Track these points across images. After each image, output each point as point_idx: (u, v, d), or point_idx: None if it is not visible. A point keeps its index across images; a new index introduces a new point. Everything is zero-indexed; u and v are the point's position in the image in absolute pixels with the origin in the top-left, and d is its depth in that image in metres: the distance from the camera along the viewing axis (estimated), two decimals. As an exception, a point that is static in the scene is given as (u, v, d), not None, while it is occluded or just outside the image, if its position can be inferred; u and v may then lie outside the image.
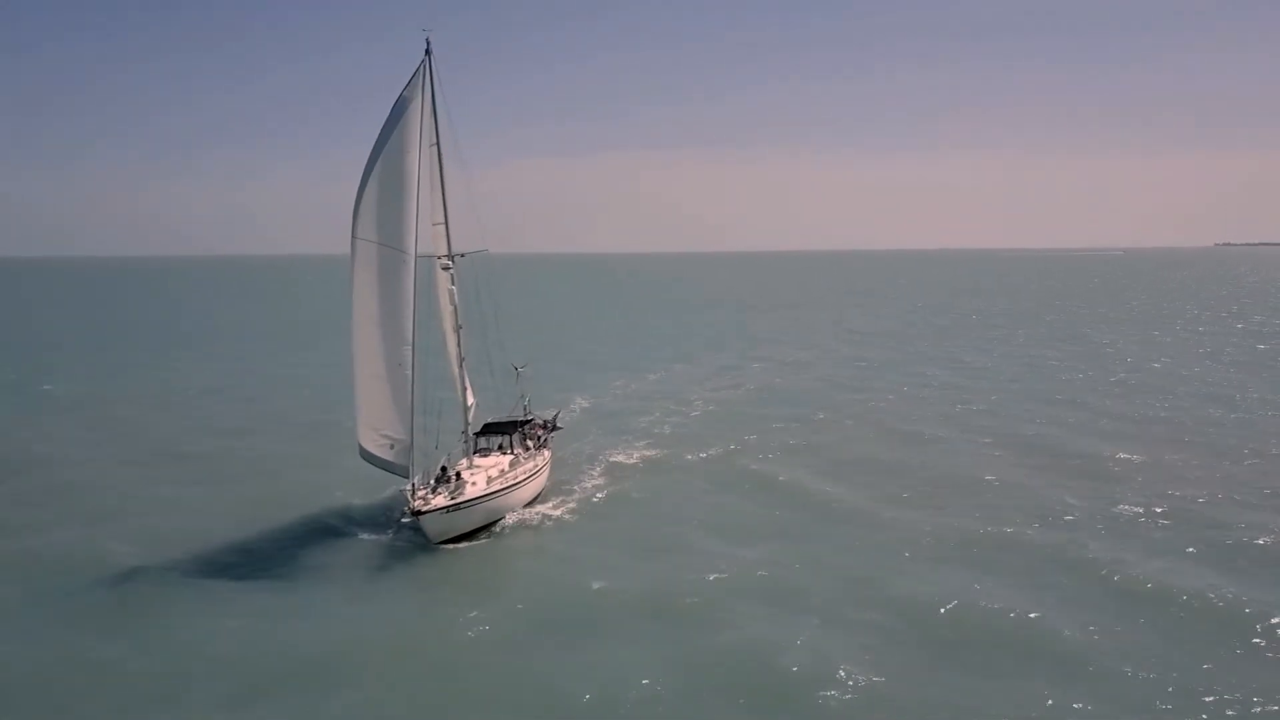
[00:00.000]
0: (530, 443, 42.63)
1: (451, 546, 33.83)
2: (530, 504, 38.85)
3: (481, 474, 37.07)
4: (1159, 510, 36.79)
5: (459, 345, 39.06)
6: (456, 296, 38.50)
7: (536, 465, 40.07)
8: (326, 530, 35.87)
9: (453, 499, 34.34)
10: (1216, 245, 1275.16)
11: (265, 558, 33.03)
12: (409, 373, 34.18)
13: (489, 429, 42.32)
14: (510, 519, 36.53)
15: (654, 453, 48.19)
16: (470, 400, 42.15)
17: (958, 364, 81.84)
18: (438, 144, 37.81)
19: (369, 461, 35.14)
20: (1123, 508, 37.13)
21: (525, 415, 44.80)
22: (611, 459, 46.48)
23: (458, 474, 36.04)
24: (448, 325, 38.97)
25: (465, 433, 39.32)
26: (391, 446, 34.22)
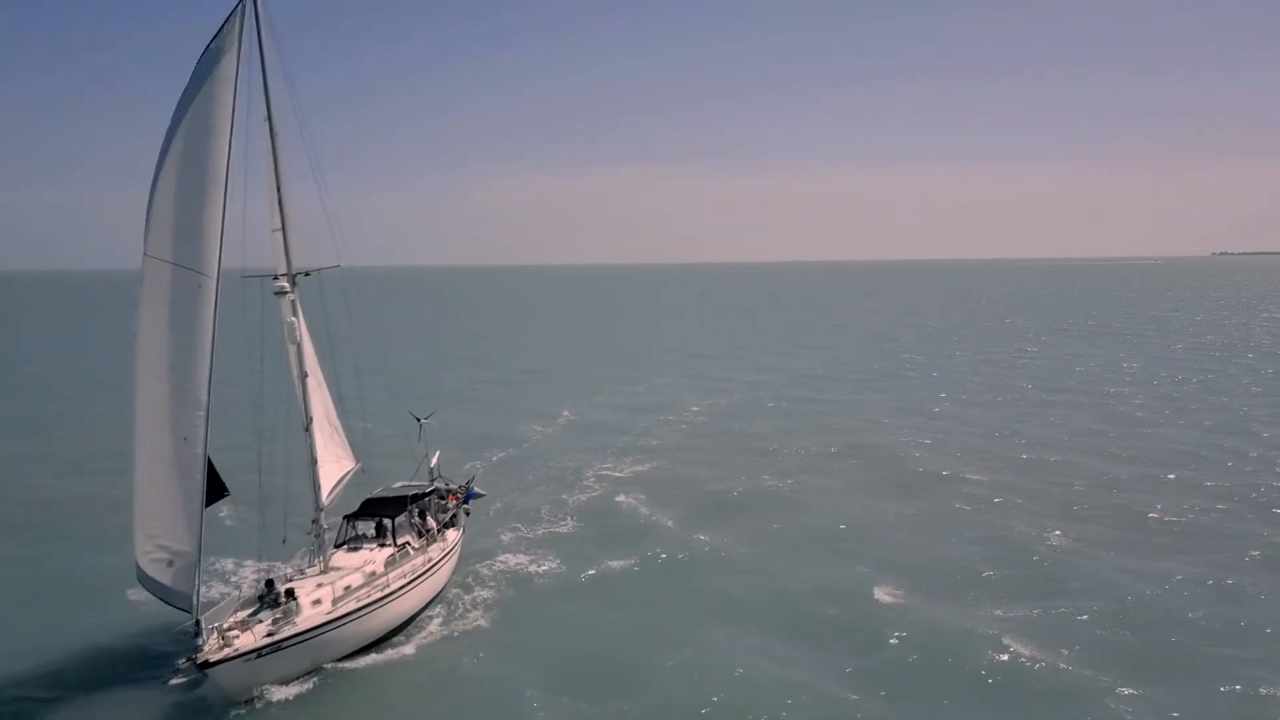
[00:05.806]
0: (434, 520, 31.61)
1: (268, 698, 22.88)
2: (423, 611, 27.99)
3: (329, 586, 25.88)
4: None
5: (305, 398, 27.79)
6: (300, 331, 27.40)
7: (430, 559, 28.92)
8: (92, 675, 24.79)
9: (271, 634, 23.24)
10: (1214, 254, 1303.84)
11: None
12: (200, 449, 23.14)
13: (370, 507, 31.09)
14: (361, 659, 25.25)
15: (598, 519, 37.61)
16: (346, 469, 31.16)
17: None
18: (270, 119, 26.74)
19: (145, 586, 23.84)
20: None
21: (429, 483, 33.72)
22: (514, 563, 33.10)
23: (290, 591, 24.93)
24: (294, 371, 27.85)
25: (316, 521, 27.94)
26: (169, 563, 22.93)
